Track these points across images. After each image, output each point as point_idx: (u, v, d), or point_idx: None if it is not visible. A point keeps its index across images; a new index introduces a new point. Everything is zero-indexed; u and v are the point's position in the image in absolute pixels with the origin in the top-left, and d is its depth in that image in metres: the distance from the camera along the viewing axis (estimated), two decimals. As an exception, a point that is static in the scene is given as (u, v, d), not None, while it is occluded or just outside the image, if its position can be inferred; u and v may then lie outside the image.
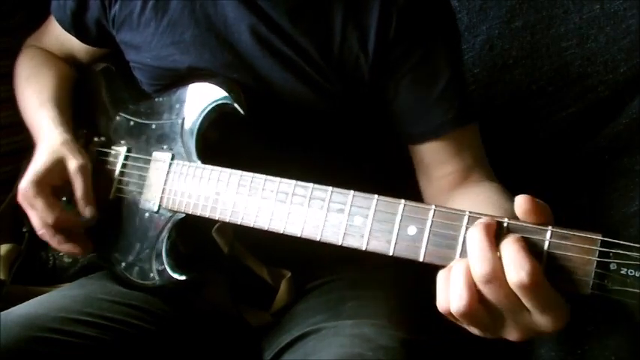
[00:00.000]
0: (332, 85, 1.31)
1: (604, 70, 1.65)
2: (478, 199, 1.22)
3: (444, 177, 1.33)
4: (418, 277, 1.27)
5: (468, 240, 0.84)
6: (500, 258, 0.82)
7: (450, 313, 0.86)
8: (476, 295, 0.83)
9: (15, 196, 1.38)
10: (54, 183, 1.36)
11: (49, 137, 1.43)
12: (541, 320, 0.82)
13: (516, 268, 0.80)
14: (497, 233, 0.84)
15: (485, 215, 0.87)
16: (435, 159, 1.33)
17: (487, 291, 0.82)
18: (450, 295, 0.84)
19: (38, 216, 1.34)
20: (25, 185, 1.33)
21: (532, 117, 1.72)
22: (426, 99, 1.30)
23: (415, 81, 1.30)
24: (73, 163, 1.37)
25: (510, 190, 1.26)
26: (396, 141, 1.37)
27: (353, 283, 1.40)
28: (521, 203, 0.84)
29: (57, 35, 1.62)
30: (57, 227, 1.34)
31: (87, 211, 1.37)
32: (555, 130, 1.70)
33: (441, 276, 0.87)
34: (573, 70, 1.67)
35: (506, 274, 0.81)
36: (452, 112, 1.30)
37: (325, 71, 1.30)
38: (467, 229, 0.87)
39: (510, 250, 0.81)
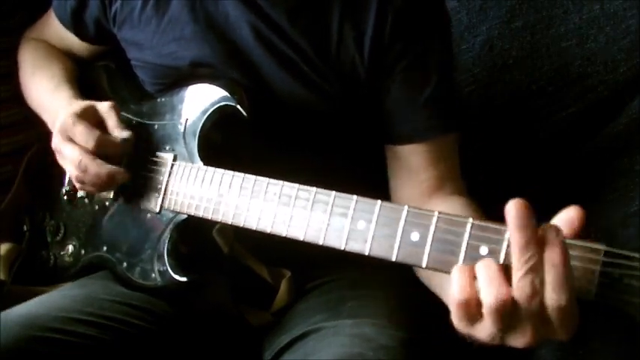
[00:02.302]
0: (330, 86, 1.31)
1: (604, 70, 1.65)
2: None
3: (417, 185, 1.33)
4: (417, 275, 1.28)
5: (513, 239, 0.81)
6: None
7: (468, 307, 0.85)
8: (511, 293, 0.82)
9: (14, 196, 1.37)
10: (89, 120, 1.32)
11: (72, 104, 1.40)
12: (560, 331, 0.83)
13: (557, 290, 0.79)
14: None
15: (491, 222, 0.87)
16: (412, 164, 1.33)
17: (524, 301, 0.81)
18: (484, 287, 0.83)
19: (78, 145, 1.29)
20: (63, 119, 1.30)
21: (532, 117, 1.72)
22: (414, 101, 1.30)
23: (405, 82, 1.30)
24: (103, 104, 1.35)
25: (510, 191, 1.26)
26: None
27: (353, 282, 1.40)
28: (577, 215, 0.84)
29: (57, 30, 1.62)
30: (96, 152, 1.29)
31: (123, 134, 1.32)
32: (555, 130, 1.70)
33: (462, 270, 0.86)
34: (573, 70, 1.67)
35: (546, 293, 0.80)
36: (437, 117, 1.30)
37: (322, 71, 1.30)
38: (470, 235, 0.87)
39: (556, 270, 0.79)
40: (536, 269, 0.80)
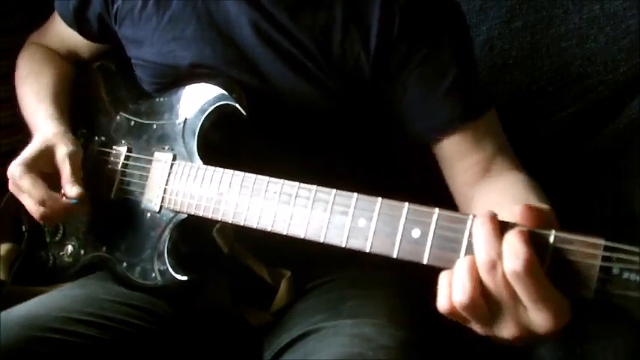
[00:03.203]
0: (332, 82, 1.31)
1: (604, 70, 1.65)
2: (502, 197, 1.21)
3: (467, 170, 1.32)
4: (418, 276, 1.27)
5: (474, 229, 0.85)
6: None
7: (451, 311, 0.86)
8: (479, 287, 0.83)
9: (13, 196, 1.38)
10: (42, 169, 1.35)
11: (43, 129, 1.43)
12: (535, 316, 0.82)
13: (512, 256, 0.80)
14: (503, 229, 0.84)
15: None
16: (455, 152, 1.32)
17: (488, 279, 0.82)
18: (454, 287, 0.84)
19: (28, 197, 1.33)
20: (12, 168, 1.33)
21: (532, 117, 1.72)
22: (434, 95, 1.29)
23: (422, 78, 1.29)
24: (61, 150, 1.37)
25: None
26: (398, 142, 1.37)
27: (353, 282, 1.40)
28: (520, 212, 0.84)
29: (59, 31, 1.63)
30: (46, 204, 1.32)
31: (73, 190, 1.34)
32: (555, 130, 1.70)
33: (444, 276, 0.87)
34: (573, 70, 1.68)
35: (504, 262, 0.81)
36: (461, 106, 1.29)
37: (325, 68, 1.30)
38: (471, 232, 0.87)
39: (511, 239, 0.81)
40: (493, 238, 0.83)
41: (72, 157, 1.37)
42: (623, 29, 1.64)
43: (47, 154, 1.37)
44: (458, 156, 1.32)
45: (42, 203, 1.32)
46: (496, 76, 1.73)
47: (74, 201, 1.34)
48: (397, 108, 1.33)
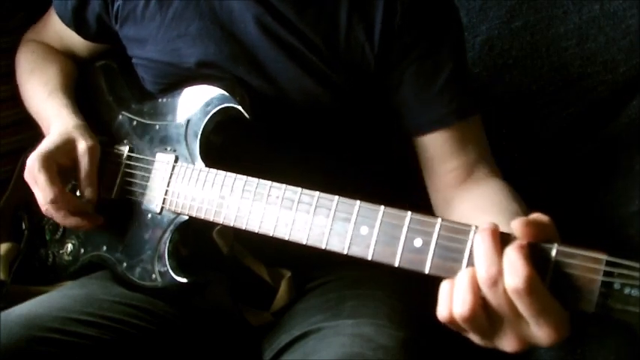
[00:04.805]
0: (338, 76, 1.31)
1: (604, 70, 1.65)
2: (483, 202, 1.23)
3: (449, 172, 1.33)
4: (419, 276, 1.27)
5: (475, 244, 0.85)
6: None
7: (451, 321, 0.87)
8: (480, 300, 0.84)
9: (12, 195, 1.38)
10: (61, 162, 1.35)
11: (61, 121, 1.43)
12: (537, 331, 0.83)
13: (512, 273, 0.80)
14: (504, 242, 0.84)
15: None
16: (439, 152, 1.33)
17: (490, 295, 0.83)
18: (454, 299, 0.85)
19: (40, 191, 1.33)
20: (31, 159, 1.33)
21: (532, 117, 1.72)
22: (430, 89, 1.30)
23: (419, 71, 1.30)
24: (82, 144, 1.38)
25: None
26: (402, 141, 1.37)
27: (353, 282, 1.40)
28: (517, 228, 0.84)
29: (57, 29, 1.62)
30: (56, 204, 1.33)
31: (87, 192, 1.37)
32: (555, 130, 1.70)
33: (445, 285, 0.88)
34: (573, 70, 1.67)
35: (504, 278, 0.81)
36: (455, 103, 1.30)
37: (331, 61, 1.31)
38: (473, 242, 0.87)
39: (511, 255, 0.81)
40: (493, 253, 0.83)
41: (91, 152, 1.38)
42: (622, 29, 1.63)
43: (68, 148, 1.37)
44: (442, 157, 1.33)
45: (53, 201, 1.32)
46: (496, 76, 1.73)
47: (84, 200, 1.37)
48: (392, 101, 1.34)
